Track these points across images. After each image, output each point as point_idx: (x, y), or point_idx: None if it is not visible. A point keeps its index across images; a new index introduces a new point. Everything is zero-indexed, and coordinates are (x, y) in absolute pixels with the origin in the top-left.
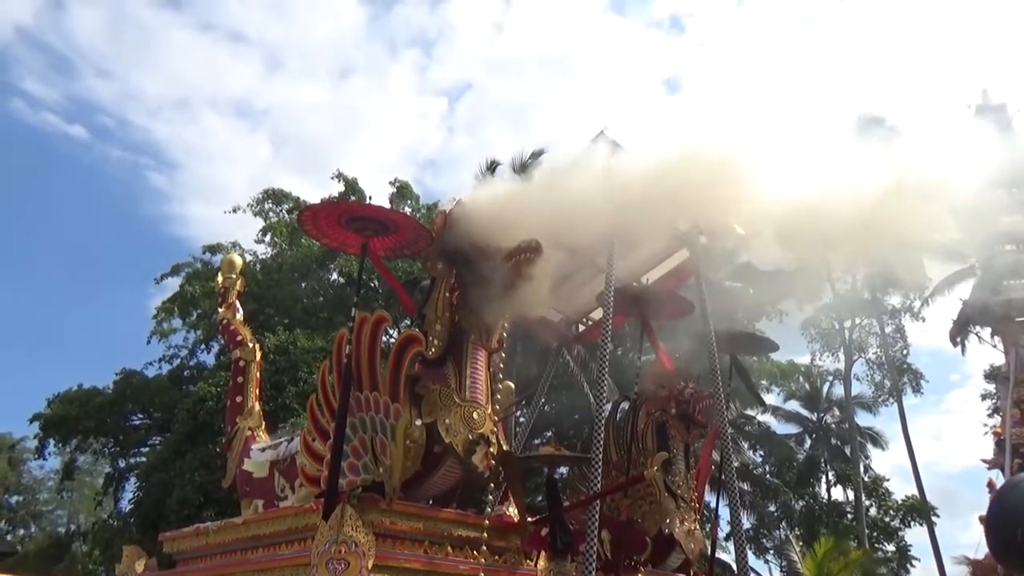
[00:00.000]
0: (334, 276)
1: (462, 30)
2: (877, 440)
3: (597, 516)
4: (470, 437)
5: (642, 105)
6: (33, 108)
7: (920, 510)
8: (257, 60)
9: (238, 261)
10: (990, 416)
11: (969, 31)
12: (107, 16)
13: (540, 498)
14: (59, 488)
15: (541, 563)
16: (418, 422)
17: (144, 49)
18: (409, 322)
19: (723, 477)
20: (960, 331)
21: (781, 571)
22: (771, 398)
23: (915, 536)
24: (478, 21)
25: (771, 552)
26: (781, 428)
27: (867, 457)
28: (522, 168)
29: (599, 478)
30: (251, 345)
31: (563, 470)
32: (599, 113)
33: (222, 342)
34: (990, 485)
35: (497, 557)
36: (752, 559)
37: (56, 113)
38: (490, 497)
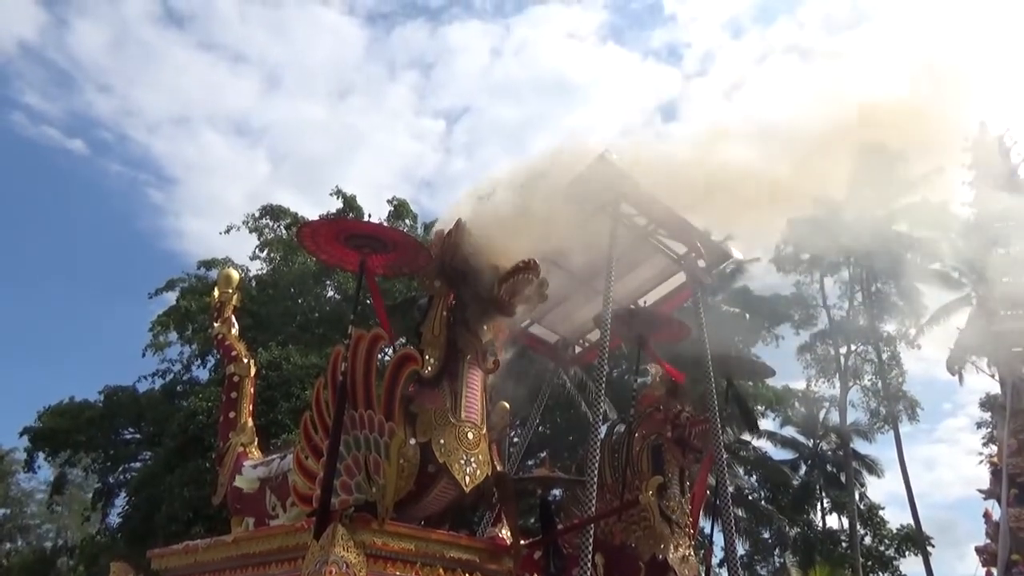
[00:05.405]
0: (330, 293)
1: (461, 54)
2: (873, 468)
3: (591, 540)
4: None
5: (638, 130)
6: (33, 122)
7: (915, 539)
8: (257, 79)
9: (235, 276)
10: (985, 445)
11: (968, 64)
12: (110, 33)
13: (533, 520)
14: (48, 503)
15: None
16: (412, 441)
17: (145, 66)
18: (405, 341)
19: (718, 502)
20: (957, 360)
21: None
22: (767, 423)
23: (910, 566)
24: (477, 46)
25: None
26: (777, 454)
27: (862, 485)
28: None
29: (593, 501)
30: (246, 360)
31: (557, 492)
32: (596, 138)
33: (217, 357)
34: (986, 515)
35: None
36: None
37: (56, 127)
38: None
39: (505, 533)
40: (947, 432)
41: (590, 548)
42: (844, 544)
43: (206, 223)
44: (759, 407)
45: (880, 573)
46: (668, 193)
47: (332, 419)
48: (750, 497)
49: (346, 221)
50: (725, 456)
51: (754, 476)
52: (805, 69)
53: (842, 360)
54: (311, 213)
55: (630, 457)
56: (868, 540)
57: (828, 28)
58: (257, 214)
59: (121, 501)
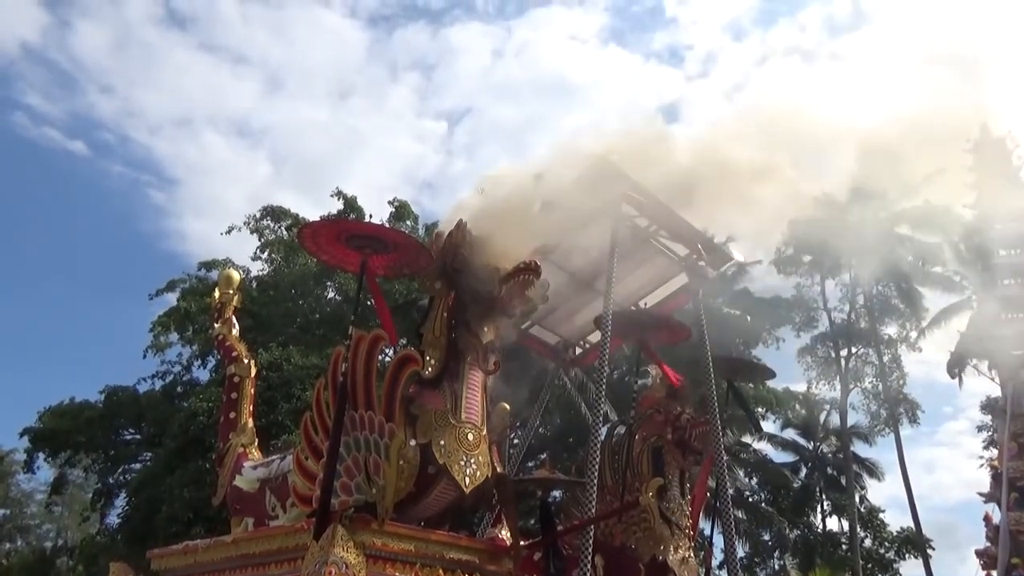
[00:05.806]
0: (331, 294)
1: (462, 56)
2: (873, 471)
3: (591, 541)
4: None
5: (639, 133)
6: (35, 123)
7: (915, 542)
8: (258, 80)
9: (236, 276)
10: (985, 448)
11: (971, 65)
12: (112, 35)
13: (533, 521)
14: (48, 503)
15: None
16: (412, 442)
17: (147, 67)
18: (406, 342)
19: (718, 504)
20: (958, 363)
21: None
22: (767, 426)
23: (910, 569)
24: (478, 47)
25: None
26: (777, 456)
27: (863, 487)
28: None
29: (593, 502)
30: (246, 361)
31: (557, 493)
32: (597, 140)
33: (217, 358)
34: (986, 519)
35: None
36: None
37: (58, 128)
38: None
39: (505, 534)
40: (948, 435)
41: (590, 549)
42: (844, 547)
43: (207, 224)
44: (760, 409)
45: None
46: (668, 194)
47: (332, 420)
48: (750, 499)
49: (347, 222)
50: (725, 458)
51: (754, 478)
52: (806, 71)
53: (843, 363)
54: (312, 214)
55: (630, 459)
56: (868, 543)
57: (829, 30)
58: (258, 215)
59: (121, 502)
